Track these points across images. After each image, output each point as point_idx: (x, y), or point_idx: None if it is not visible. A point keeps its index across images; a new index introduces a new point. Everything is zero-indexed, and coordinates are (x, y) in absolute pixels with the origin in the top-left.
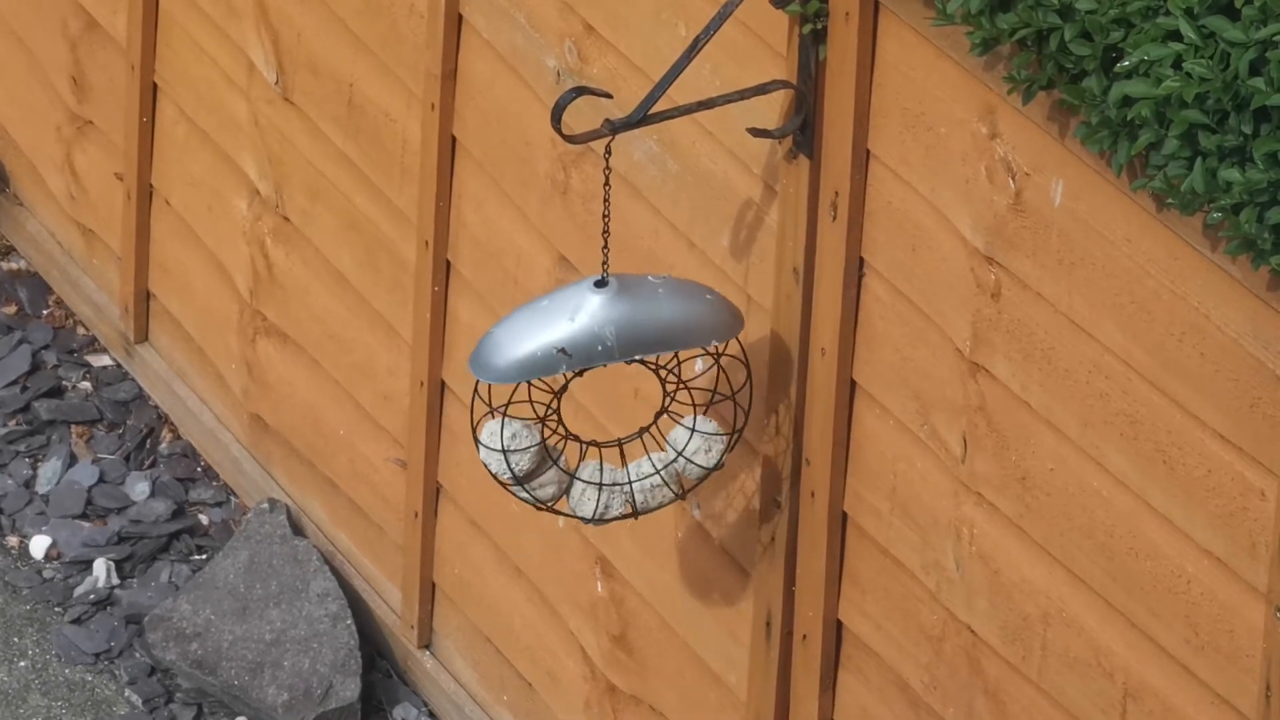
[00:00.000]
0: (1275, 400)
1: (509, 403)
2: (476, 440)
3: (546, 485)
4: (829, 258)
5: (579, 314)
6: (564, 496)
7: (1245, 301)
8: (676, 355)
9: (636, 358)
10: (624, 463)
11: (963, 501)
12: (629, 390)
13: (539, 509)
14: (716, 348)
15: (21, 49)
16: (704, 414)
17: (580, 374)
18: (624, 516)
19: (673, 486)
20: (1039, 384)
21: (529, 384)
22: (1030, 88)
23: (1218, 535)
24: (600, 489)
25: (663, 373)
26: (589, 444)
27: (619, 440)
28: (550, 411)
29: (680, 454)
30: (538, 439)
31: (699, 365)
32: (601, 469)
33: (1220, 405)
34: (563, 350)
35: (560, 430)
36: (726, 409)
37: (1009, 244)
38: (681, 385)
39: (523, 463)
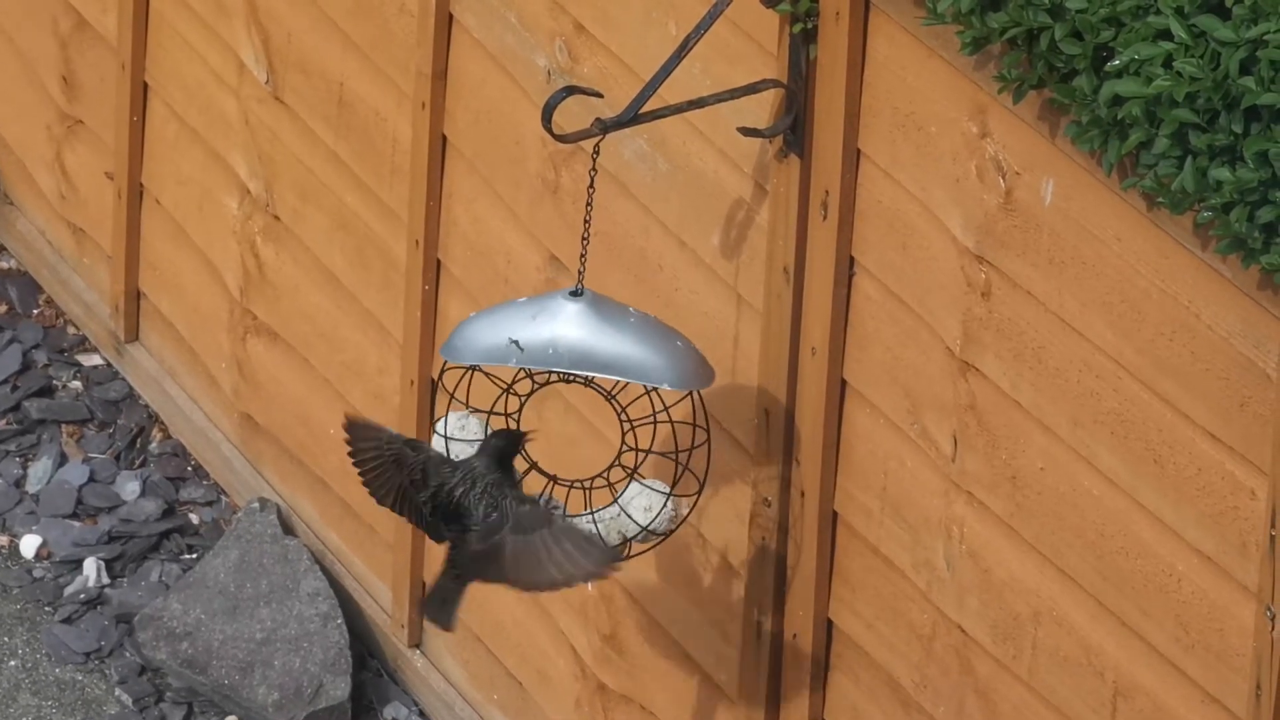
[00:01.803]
0: (1265, 399)
1: (453, 393)
2: (432, 429)
3: None
4: (819, 257)
5: (542, 315)
6: None
7: (1236, 300)
8: (620, 393)
9: (582, 376)
10: (586, 504)
11: (953, 500)
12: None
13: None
14: (662, 400)
15: (11, 48)
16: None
17: (545, 384)
18: None
19: (611, 538)
20: (1029, 383)
21: (505, 392)
22: (1021, 87)
23: (1208, 534)
24: None
25: (617, 407)
26: (551, 478)
27: (572, 482)
28: (512, 415)
29: (616, 501)
30: (484, 433)
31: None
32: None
33: (1211, 404)
34: (514, 342)
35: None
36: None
37: (999, 243)
38: (631, 425)
39: (466, 454)
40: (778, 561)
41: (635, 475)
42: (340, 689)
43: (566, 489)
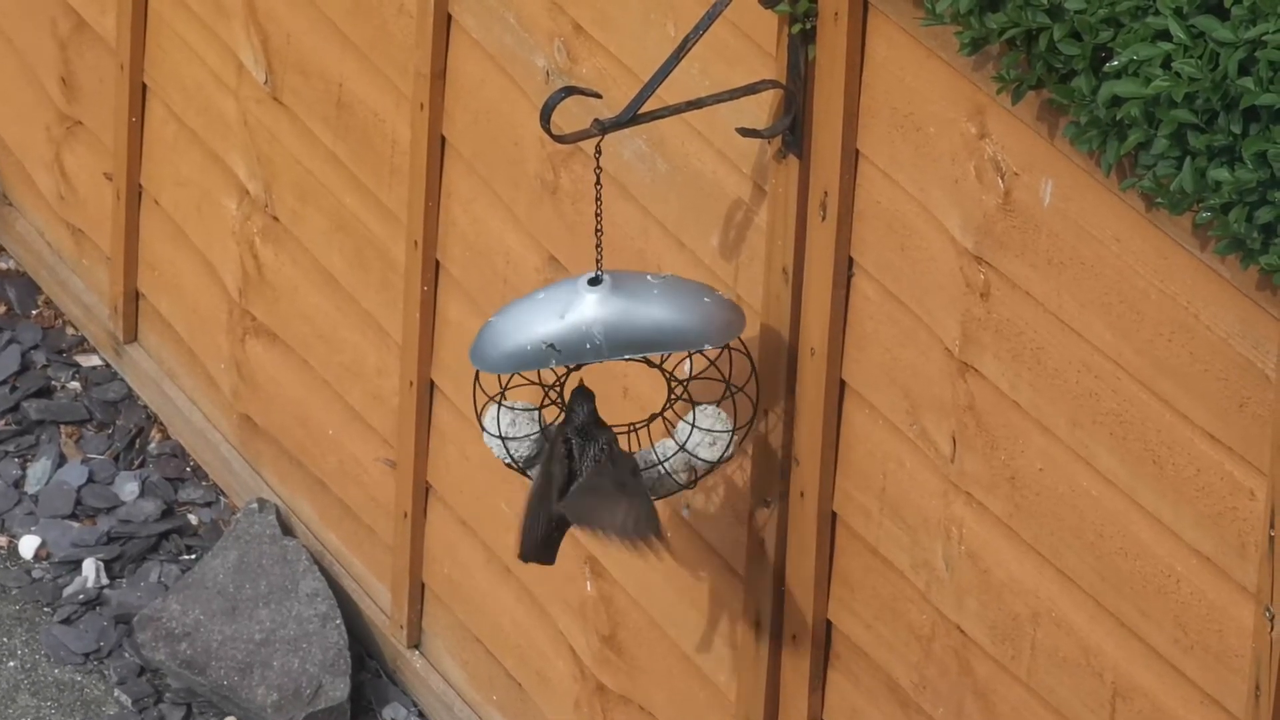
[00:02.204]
0: (1264, 400)
1: (505, 388)
2: (481, 426)
3: None
4: (818, 257)
5: (569, 312)
6: None
7: (1234, 301)
8: (671, 356)
9: (629, 356)
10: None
11: (952, 501)
12: (618, 390)
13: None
14: (712, 352)
15: (10, 49)
16: (714, 407)
17: (578, 367)
18: None
19: (677, 477)
20: (1028, 383)
21: (554, 386)
22: (1019, 87)
23: (1207, 535)
24: None
25: (666, 369)
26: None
27: (631, 425)
28: (551, 401)
29: (682, 448)
30: (536, 427)
31: (686, 367)
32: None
33: (1209, 405)
34: (551, 345)
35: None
36: (735, 401)
37: (998, 243)
38: (680, 384)
39: (522, 449)
40: (776, 562)
41: (683, 417)
42: (339, 690)
43: (626, 433)
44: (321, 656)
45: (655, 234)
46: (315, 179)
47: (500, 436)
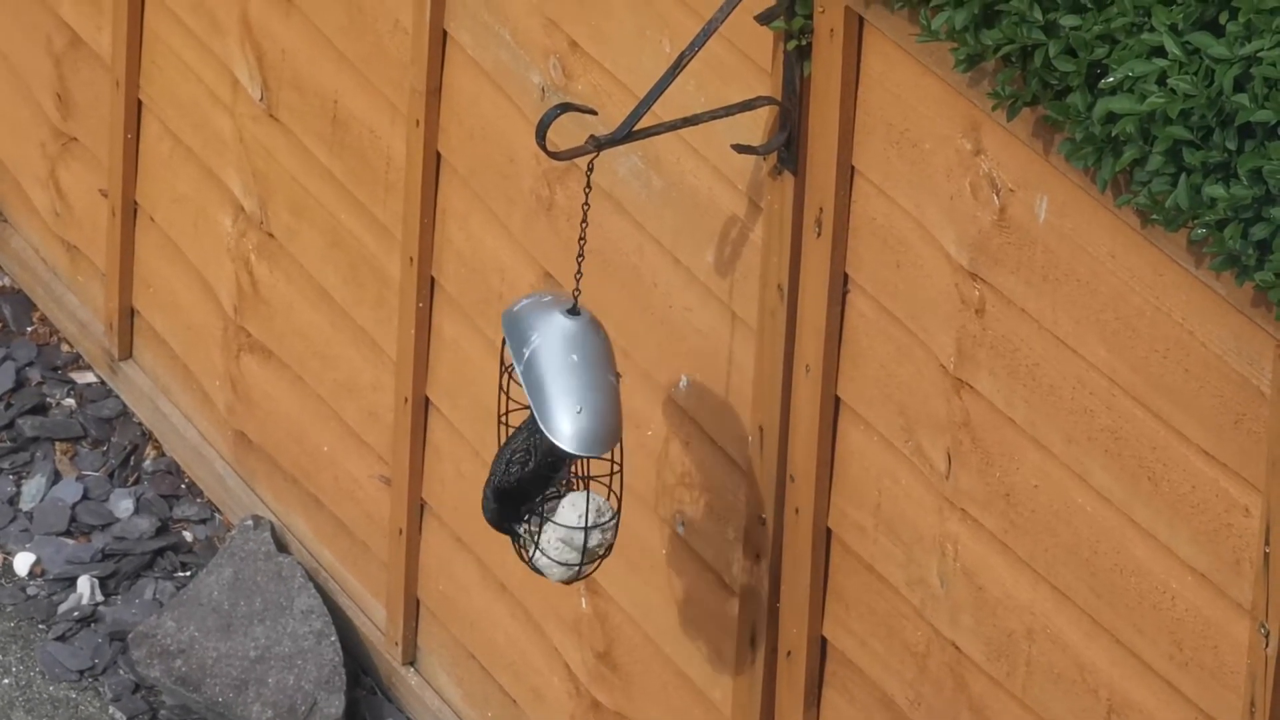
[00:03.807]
0: (1259, 416)
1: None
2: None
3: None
4: (813, 274)
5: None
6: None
7: (1229, 317)
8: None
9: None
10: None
11: (947, 518)
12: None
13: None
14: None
15: (5, 65)
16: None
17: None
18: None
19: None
20: (1023, 400)
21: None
22: (1015, 104)
23: (1202, 551)
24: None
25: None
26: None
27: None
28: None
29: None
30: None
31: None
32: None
33: (1204, 421)
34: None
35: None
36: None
37: (993, 260)
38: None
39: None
40: (772, 579)
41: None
42: (334, 707)
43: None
44: (317, 673)
45: (650, 250)
46: (310, 195)
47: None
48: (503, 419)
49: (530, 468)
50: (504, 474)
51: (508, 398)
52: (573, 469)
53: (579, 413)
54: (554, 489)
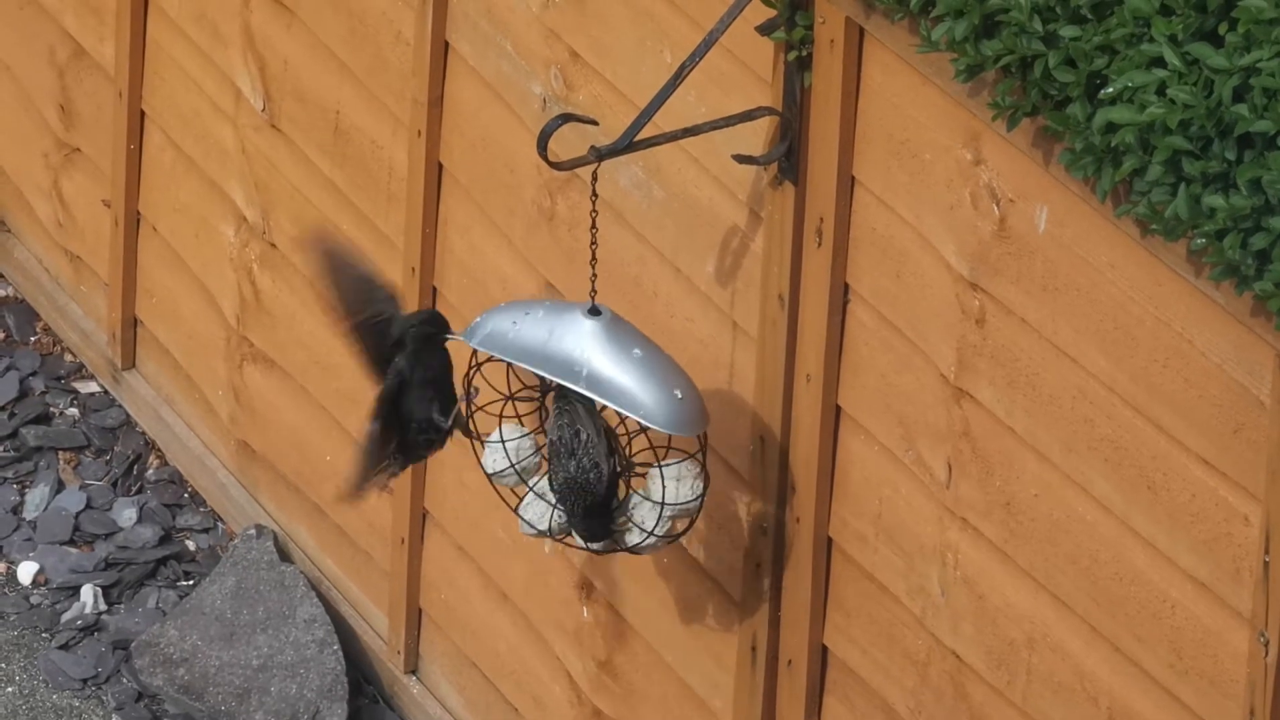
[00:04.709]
0: (1258, 425)
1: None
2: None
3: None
4: (814, 284)
5: (562, 332)
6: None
7: (1229, 327)
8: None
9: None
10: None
11: (947, 527)
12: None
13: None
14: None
15: (9, 76)
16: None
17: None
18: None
19: (646, 527)
20: (1023, 410)
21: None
22: (1014, 114)
23: (1202, 560)
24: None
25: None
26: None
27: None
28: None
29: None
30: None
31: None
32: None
33: (1204, 431)
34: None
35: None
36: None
37: (993, 270)
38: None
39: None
40: (773, 588)
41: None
42: (336, 715)
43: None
44: (319, 682)
45: (652, 261)
46: (313, 206)
47: (516, 467)
48: (477, 436)
49: (607, 470)
50: (589, 496)
51: (470, 410)
52: (626, 448)
53: (680, 398)
54: (623, 473)
